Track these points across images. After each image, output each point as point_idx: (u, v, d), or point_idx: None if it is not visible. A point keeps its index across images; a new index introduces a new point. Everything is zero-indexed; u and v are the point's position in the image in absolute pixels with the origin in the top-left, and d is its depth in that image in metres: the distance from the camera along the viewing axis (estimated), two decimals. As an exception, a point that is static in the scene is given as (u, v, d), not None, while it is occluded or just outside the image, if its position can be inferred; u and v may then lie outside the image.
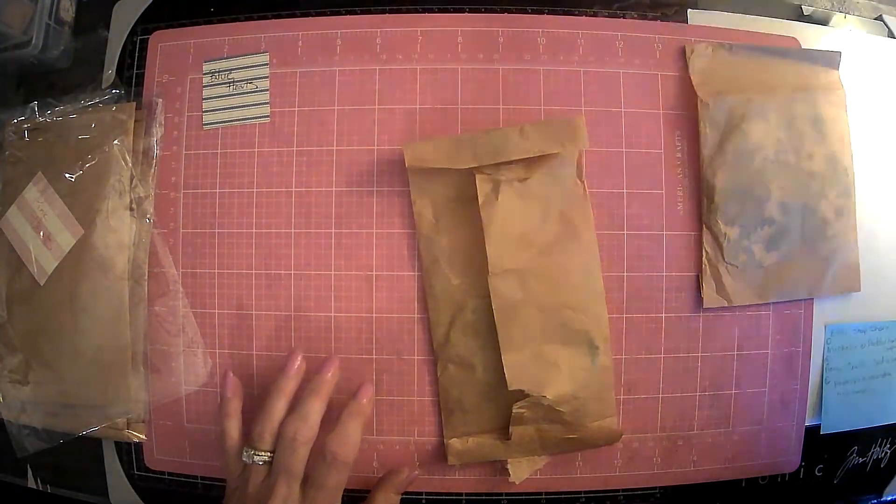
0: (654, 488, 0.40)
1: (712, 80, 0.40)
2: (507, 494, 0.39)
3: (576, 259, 0.38)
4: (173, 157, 0.41)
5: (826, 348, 0.40)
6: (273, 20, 0.42)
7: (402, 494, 0.38)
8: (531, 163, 0.37)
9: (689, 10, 0.41)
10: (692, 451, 0.40)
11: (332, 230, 0.40)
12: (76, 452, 0.42)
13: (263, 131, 0.41)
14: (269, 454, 0.35)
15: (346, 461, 0.34)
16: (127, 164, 0.41)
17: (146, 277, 0.41)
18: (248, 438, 0.35)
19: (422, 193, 0.39)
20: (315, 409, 0.35)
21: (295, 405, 0.36)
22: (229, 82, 0.41)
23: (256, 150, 0.41)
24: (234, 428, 0.37)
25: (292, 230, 0.40)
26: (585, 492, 0.39)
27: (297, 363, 0.37)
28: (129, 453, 0.42)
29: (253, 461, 0.34)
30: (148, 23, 0.43)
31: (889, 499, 0.42)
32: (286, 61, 0.41)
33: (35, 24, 0.42)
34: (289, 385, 0.36)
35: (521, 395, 0.37)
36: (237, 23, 0.42)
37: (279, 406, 0.36)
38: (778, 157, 0.39)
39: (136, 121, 0.41)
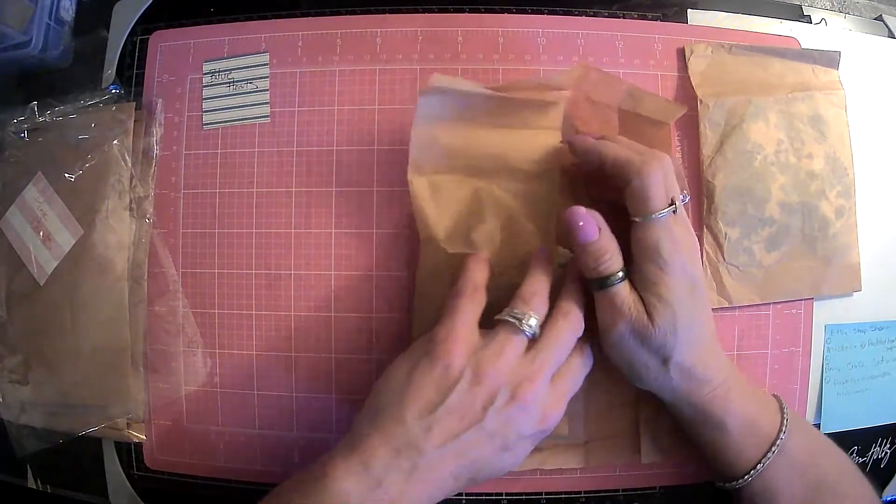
0: (655, 487, 0.40)
1: (712, 80, 0.40)
2: (507, 494, 0.39)
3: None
4: (173, 157, 0.41)
5: (826, 348, 0.40)
6: (273, 20, 0.42)
7: None
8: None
9: (689, 10, 0.41)
10: (693, 449, 0.40)
11: (332, 230, 0.40)
12: (76, 452, 0.42)
13: (263, 131, 0.41)
14: (537, 332, 0.31)
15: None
16: (127, 164, 0.41)
17: (146, 277, 0.41)
18: (515, 299, 0.32)
19: (419, 171, 0.36)
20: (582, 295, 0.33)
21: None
22: (229, 82, 0.41)
23: (256, 150, 0.41)
24: (475, 281, 0.33)
25: (292, 230, 0.40)
26: (585, 491, 0.39)
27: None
28: (129, 453, 0.42)
29: (523, 325, 0.31)
30: (148, 23, 0.43)
31: (889, 499, 0.42)
32: (286, 61, 0.41)
33: (35, 24, 0.42)
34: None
35: None
36: (237, 23, 0.42)
37: (550, 281, 0.33)
38: (778, 157, 0.39)
39: (135, 121, 0.41)
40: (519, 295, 0.32)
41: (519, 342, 0.31)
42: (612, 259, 0.31)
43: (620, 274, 0.31)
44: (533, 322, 0.31)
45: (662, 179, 0.31)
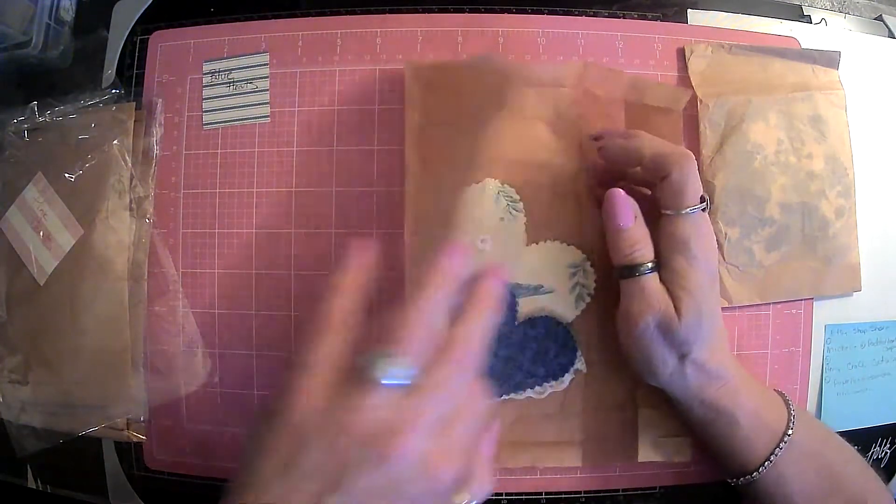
0: (655, 487, 0.40)
1: (712, 80, 0.40)
2: (507, 494, 0.39)
3: None
4: (173, 157, 0.41)
5: (826, 348, 0.40)
6: (273, 20, 0.42)
7: None
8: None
9: (689, 10, 0.41)
10: (692, 448, 0.40)
11: (333, 230, 0.40)
12: (76, 452, 0.42)
13: (263, 131, 0.41)
14: (412, 376, 0.25)
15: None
16: (127, 164, 0.41)
17: (146, 277, 0.41)
18: (387, 341, 0.26)
19: (414, 106, 0.35)
20: (485, 328, 0.28)
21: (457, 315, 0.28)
22: (229, 82, 0.41)
23: (256, 150, 0.41)
24: (341, 309, 0.27)
25: (292, 230, 0.40)
26: (585, 491, 0.39)
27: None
28: (129, 453, 0.41)
29: (388, 375, 0.25)
30: (148, 23, 0.43)
31: (889, 499, 0.42)
32: (286, 61, 0.41)
33: (35, 24, 0.42)
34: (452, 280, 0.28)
35: None
36: (237, 23, 0.42)
37: (440, 311, 0.27)
38: (778, 157, 0.39)
39: (136, 121, 0.41)
40: (393, 330, 0.26)
41: (383, 393, 0.25)
42: (645, 248, 0.32)
43: (650, 265, 0.32)
44: (401, 371, 0.25)
45: (696, 175, 0.31)
